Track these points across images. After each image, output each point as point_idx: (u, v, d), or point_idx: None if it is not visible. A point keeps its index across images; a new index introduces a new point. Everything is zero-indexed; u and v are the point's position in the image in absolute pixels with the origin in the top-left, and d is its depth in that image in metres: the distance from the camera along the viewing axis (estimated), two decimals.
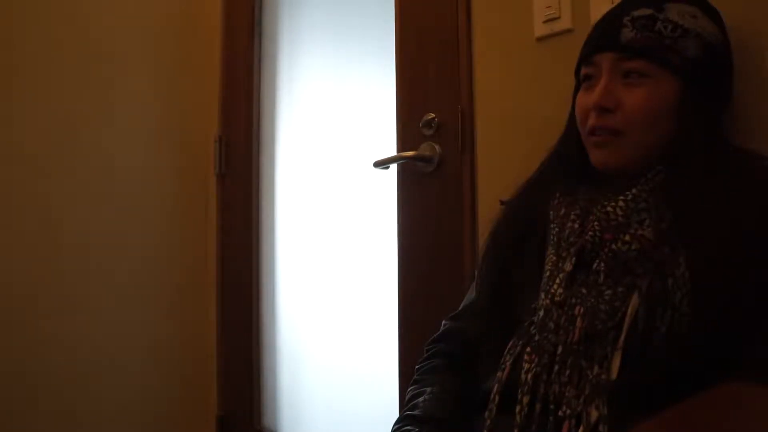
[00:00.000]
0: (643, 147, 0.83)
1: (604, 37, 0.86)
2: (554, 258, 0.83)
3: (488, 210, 1.24)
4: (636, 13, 0.84)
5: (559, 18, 1.20)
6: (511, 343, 0.83)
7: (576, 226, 0.82)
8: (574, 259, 0.80)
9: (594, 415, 0.70)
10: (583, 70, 0.89)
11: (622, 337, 0.72)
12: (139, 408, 1.90)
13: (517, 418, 0.76)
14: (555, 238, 0.85)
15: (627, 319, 0.73)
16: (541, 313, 0.80)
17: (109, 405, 1.84)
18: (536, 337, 0.79)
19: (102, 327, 1.84)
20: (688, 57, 0.82)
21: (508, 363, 0.82)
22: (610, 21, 0.87)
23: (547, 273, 0.83)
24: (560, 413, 0.73)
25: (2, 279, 1.69)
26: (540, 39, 1.24)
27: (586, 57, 0.89)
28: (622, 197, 0.80)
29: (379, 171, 1.49)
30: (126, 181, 1.91)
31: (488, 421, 0.80)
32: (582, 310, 0.76)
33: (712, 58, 0.84)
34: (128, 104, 1.92)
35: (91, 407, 1.80)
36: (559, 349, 0.76)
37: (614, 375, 0.71)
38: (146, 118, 1.96)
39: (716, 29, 0.86)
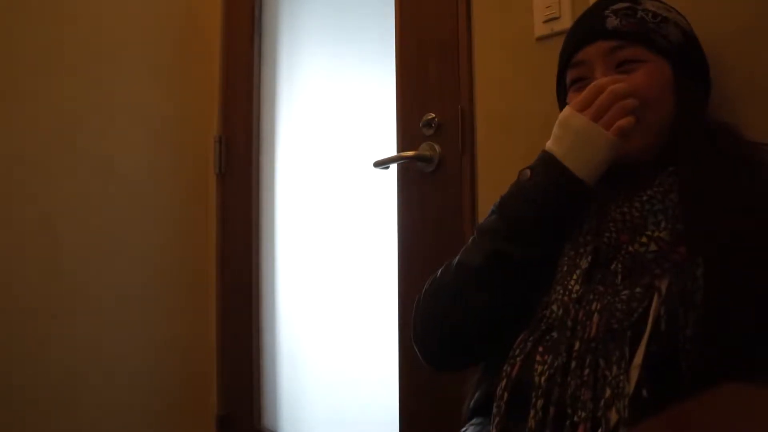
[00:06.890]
0: (655, 130, 0.82)
1: (590, 30, 0.88)
2: (572, 253, 0.82)
3: (488, 210, 1.24)
4: (615, 6, 0.87)
5: (559, 18, 1.20)
6: (521, 337, 0.82)
7: (593, 223, 0.82)
8: (590, 257, 0.80)
9: (614, 418, 0.68)
10: (570, 74, 0.90)
11: (645, 337, 0.71)
12: (140, 408, 1.90)
13: (531, 423, 0.74)
14: (573, 234, 0.84)
15: (651, 318, 0.71)
16: (557, 309, 0.79)
17: (109, 405, 1.84)
18: (554, 335, 0.78)
19: (102, 327, 1.84)
20: (672, 41, 0.85)
21: (518, 359, 0.80)
22: (591, 16, 0.89)
23: (565, 267, 0.82)
24: (576, 417, 0.71)
25: (2, 279, 1.69)
26: (540, 39, 1.24)
27: (569, 58, 0.90)
28: (637, 198, 0.80)
29: (379, 171, 1.49)
30: (126, 181, 1.91)
31: (497, 419, 0.78)
32: (599, 306, 0.75)
33: (692, 44, 0.88)
34: (128, 104, 1.92)
35: (91, 407, 1.80)
36: (576, 345, 0.74)
37: (634, 376, 0.70)
38: (146, 117, 1.96)
39: (687, 23, 0.90)
